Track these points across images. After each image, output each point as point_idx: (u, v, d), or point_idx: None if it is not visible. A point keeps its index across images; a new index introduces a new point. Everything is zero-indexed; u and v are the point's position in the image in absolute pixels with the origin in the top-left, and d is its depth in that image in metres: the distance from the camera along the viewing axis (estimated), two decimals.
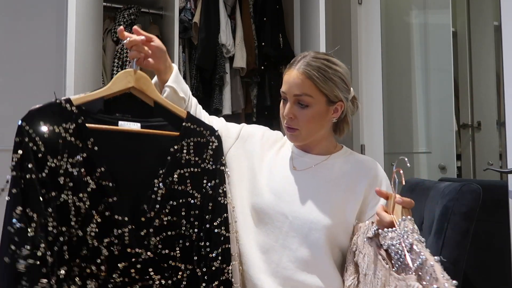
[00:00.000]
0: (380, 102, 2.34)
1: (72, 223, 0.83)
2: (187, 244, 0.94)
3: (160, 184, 0.92)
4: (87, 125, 0.87)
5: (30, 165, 0.79)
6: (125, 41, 0.97)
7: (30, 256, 0.76)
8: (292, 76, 1.05)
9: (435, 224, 1.25)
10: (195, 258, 0.94)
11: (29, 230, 0.77)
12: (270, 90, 2.45)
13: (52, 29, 2.08)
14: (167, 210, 0.93)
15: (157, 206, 0.91)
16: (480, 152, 2.90)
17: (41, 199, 0.80)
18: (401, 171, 0.89)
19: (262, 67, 2.45)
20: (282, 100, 1.10)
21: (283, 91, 1.07)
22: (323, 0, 2.01)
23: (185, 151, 0.97)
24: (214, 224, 0.97)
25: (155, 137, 0.96)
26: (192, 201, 0.96)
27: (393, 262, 0.83)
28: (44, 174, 0.81)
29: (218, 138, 1.03)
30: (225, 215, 0.99)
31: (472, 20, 2.97)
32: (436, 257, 0.73)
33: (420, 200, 1.37)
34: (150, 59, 1.03)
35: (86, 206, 0.84)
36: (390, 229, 0.84)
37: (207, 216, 0.96)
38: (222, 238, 0.97)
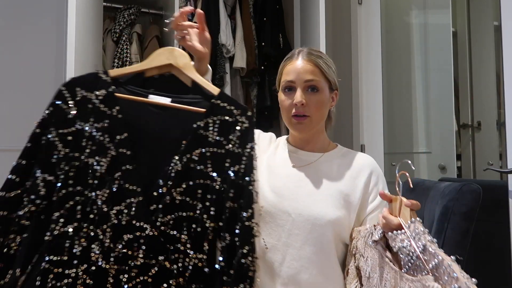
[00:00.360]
0: (380, 102, 2.34)
1: (90, 186, 0.84)
2: (199, 229, 0.86)
3: (179, 161, 0.87)
4: (115, 94, 0.90)
5: (53, 127, 0.86)
6: (169, 25, 0.99)
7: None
8: (298, 65, 1.09)
9: (435, 224, 1.25)
10: (206, 247, 0.86)
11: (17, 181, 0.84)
12: (270, 90, 2.45)
13: (52, 29, 2.08)
14: (181, 189, 0.87)
15: (170, 182, 0.86)
16: (480, 152, 2.90)
17: (55, 155, 0.85)
18: (407, 174, 0.90)
19: (262, 67, 2.45)
20: (283, 92, 1.11)
21: (291, 80, 1.09)
22: (323, 0, 2.01)
23: (210, 129, 0.90)
24: (245, 215, 0.86)
25: (182, 113, 0.92)
26: (211, 184, 0.88)
27: (402, 264, 0.83)
28: (68, 134, 0.86)
29: (250, 119, 0.94)
30: (254, 206, 0.88)
31: (472, 20, 2.97)
32: (452, 257, 0.73)
33: (420, 200, 1.36)
34: (197, 44, 1.04)
35: (103, 171, 0.85)
36: (399, 231, 0.84)
37: (230, 204, 0.87)
38: (252, 232, 0.87)
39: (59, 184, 0.83)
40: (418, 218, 0.83)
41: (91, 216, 0.83)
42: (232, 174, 0.89)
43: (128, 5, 2.30)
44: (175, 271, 0.84)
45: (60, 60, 2.01)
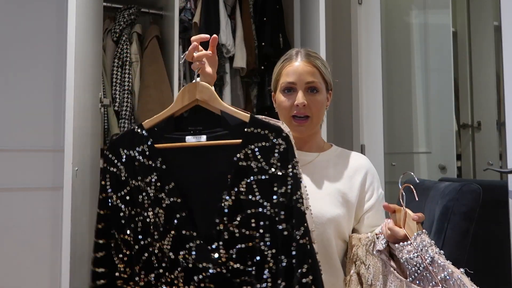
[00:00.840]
0: (380, 102, 2.35)
1: (155, 237, 0.91)
2: (258, 258, 0.87)
3: (229, 196, 0.89)
4: (155, 145, 0.94)
5: (111, 191, 0.93)
6: (184, 55, 0.99)
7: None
8: (299, 66, 1.11)
9: (435, 224, 1.25)
10: (268, 273, 0.86)
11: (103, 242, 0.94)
12: (270, 90, 2.45)
13: (52, 29, 2.08)
14: (236, 223, 0.88)
15: (225, 218, 0.88)
16: (480, 152, 2.90)
17: (122, 216, 0.93)
18: (412, 187, 0.91)
19: (262, 67, 2.45)
20: (282, 93, 1.13)
21: (292, 82, 1.10)
22: (323, 0, 2.01)
23: (250, 158, 0.91)
24: (298, 234, 0.86)
25: (220, 148, 0.93)
26: (261, 211, 0.89)
27: (408, 274, 0.84)
28: (126, 195, 0.93)
29: (287, 139, 0.92)
30: (305, 224, 0.88)
31: (472, 20, 2.97)
32: (461, 269, 0.75)
33: (420, 200, 1.37)
34: (208, 68, 1.04)
35: (162, 221, 0.90)
36: (405, 242, 0.86)
37: (280, 226, 0.87)
38: (308, 249, 0.87)
39: (132, 241, 0.92)
40: (424, 230, 0.85)
41: (164, 264, 0.91)
42: (280, 197, 0.89)
43: (128, 5, 2.30)
44: None
45: (60, 60, 2.01)
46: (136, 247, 0.92)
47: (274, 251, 0.87)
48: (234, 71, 2.40)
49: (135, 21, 2.32)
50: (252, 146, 0.91)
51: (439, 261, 0.78)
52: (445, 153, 2.51)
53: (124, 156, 0.94)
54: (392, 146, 2.53)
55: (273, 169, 0.90)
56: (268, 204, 0.88)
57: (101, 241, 0.94)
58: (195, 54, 0.98)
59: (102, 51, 2.20)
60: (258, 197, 0.89)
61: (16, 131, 1.96)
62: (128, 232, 0.93)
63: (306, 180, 1.11)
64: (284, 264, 0.85)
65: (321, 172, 1.13)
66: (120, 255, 0.93)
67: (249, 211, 0.88)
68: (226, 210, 0.89)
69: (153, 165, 0.92)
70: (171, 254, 0.89)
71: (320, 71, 1.12)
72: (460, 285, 0.72)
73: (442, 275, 0.76)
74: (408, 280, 0.84)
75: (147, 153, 0.93)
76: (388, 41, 2.56)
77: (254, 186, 0.89)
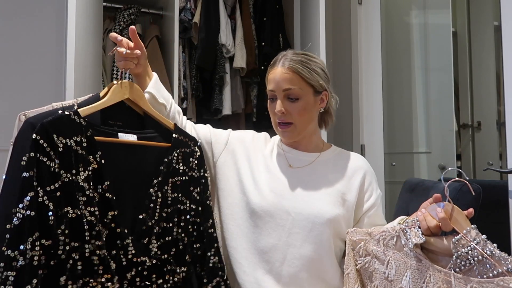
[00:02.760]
0: (380, 102, 2.34)
1: (86, 238, 0.83)
2: (180, 247, 0.99)
3: (158, 193, 0.96)
4: (95, 138, 0.88)
5: (37, 185, 0.78)
6: (115, 50, 0.97)
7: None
8: (278, 73, 1.09)
9: None
10: (188, 259, 0.99)
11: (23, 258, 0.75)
12: None
13: (52, 29, 2.08)
14: (163, 218, 0.97)
15: (157, 214, 0.95)
16: (480, 152, 2.90)
17: (51, 219, 0.78)
18: (466, 181, 0.95)
19: (262, 67, 2.45)
20: (269, 100, 1.13)
21: (271, 89, 1.11)
22: (323, 0, 2.00)
23: (175, 160, 1.02)
24: (208, 225, 1.05)
25: (149, 148, 1.00)
26: (182, 207, 1.01)
27: (448, 268, 0.86)
28: (55, 190, 0.80)
29: (200, 148, 1.10)
30: (212, 217, 1.08)
31: (472, 20, 2.97)
32: None
33: (420, 200, 1.36)
34: (137, 69, 1.03)
35: (95, 220, 0.85)
36: (459, 236, 0.87)
37: (197, 220, 1.03)
38: (215, 238, 1.06)
39: (59, 247, 0.79)
40: (474, 225, 0.87)
41: (95, 267, 0.84)
42: (196, 195, 1.04)
43: (128, 5, 2.29)
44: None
45: (60, 60, 2.01)
46: (63, 256, 0.80)
47: (192, 239, 1.01)
48: (234, 71, 2.40)
49: (135, 21, 2.32)
50: (178, 150, 1.03)
51: (498, 254, 0.82)
52: (445, 153, 2.51)
53: (61, 145, 0.82)
54: (392, 146, 2.52)
55: (192, 172, 1.05)
56: (188, 201, 1.02)
57: (14, 253, 0.74)
58: (123, 51, 0.96)
59: (102, 51, 2.20)
60: (180, 195, 1.01)
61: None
62: (54, 235, 0.78)
63: (306, 180, 1.12)
64: (199, 251, 1.02)
65: (320, 172, 1.13)
66: (40, 270, 0.76)
67: (172, 208, 0.99)
68: (158, 207, 0.96)
69: (91, 158, 0.86)
70: (102, 253, 0.84)
71: (301, 76, 1.08)
72: None
73: (505, 268, 0.80)
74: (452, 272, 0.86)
75: (85, 144, 0.86)
76: (388, 41, 2.56)
77: (178, 184, 1.01)
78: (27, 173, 0.77)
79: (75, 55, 1.57)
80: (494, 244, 0.84)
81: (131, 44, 0.98)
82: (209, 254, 1.03)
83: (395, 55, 2.62)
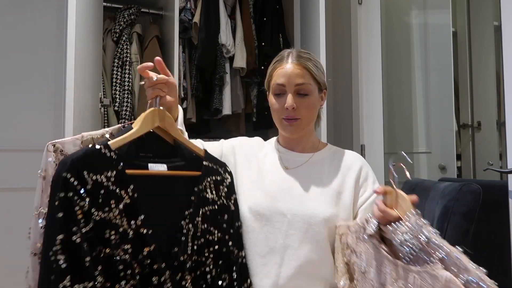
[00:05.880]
0: (380, 102, 2.34)
1: (127, 277, 0.80)
2: (209, 280, 0.95)
3: (190, 225, 0.92)
4: (126, 172, 0.85)
5: (74, 227, 0.76)
6: (145, 81, 0.96)
7: None
8: (289, 68, 1.10)
9: (435, 224, 1.25)
10: None
11: None
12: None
13: (52, 29, 2.08)
14: (194, 250, 0.92)
15: (189, 247, 0.91)
16: (480, 152, 2.90)
17: (87, 260, 0.76)
18: (403, 165, 0.90)
19: (262, 67, 2.45)
20: (274, 95, 1.13)
21: (281, 84, 1.10)
22: (323, 0, 2.01)
23: (208, 190, 0.99)
24: (241, 255, 1.01)
25: (180, 178, 0.96)
26: (211, 238, 0.97)
27: (401, 256, 0.83)
28: (90, 231, 0.77)
29: (231, 174, 1.07)
30: (243, 247, 1.03)
31: (472, 20, 2.96)
32: (458, 248, 0.74)
33: (420, 200, 1.37)
34: (168, 96, 1.02)
35: (129, 258, 0.81)
36: (398, 223, 0.84)
37: (224, 249, 0.98)
38: (246, 267, 1.02)
39: None
40: (417, 210, 0.83)
41: None
42: (224, 224, 1.00)
43: (128, 5, 2.30)
44: None
45: (60, 60, 2.01)
46: None
47: (219, 270, 0.97)
48: (234, 71, 2.40)
49: (135, 21, 2.32)
50: (209, 178, 1.00)
51: (435, 241, 0.77)
52: (445, 153, 2.51)
53: (90, 182, 0.79)
54: (392, 146, 2.52)
55: (221, 200, 1.01)
56: (216, 231, 0.98)
57: None
58: (153, 77, 0.96)
59: (102, 51, 2.20)
60: (209, 225, 0.97)
61: (16, 131, 1.96)
62: (92, 277, 0.76)
63: (301, 180, 1.12)
64: (227, 281, 0.97)
65: (315, 171, 1.13)
66: None
67: (202, 239, 0.95)
68: (189, 240, 0.91)
69: (124, 193, 0.82)
70: None
71: (311, 72, 1.10)
72: (458, 264, 0.71)
73: (439, 255, 0.75)
74: (402, 262, 0.83)
75: (117, 179, 0.82)
76: (388, 41, 2.56)
77: (208, 215, 0.97)
78: (61, 214, 0.76)
79: (75, 55, 1.57)
80: (434, 231, 0.79)
81: (170, 78, 1.00)
82: (245, 285, 0.99)
83: (395, 55, 2.62)
